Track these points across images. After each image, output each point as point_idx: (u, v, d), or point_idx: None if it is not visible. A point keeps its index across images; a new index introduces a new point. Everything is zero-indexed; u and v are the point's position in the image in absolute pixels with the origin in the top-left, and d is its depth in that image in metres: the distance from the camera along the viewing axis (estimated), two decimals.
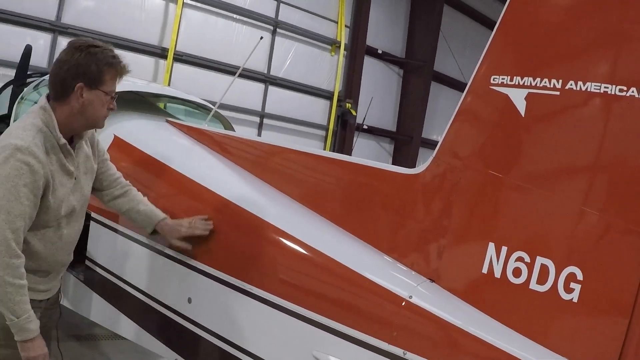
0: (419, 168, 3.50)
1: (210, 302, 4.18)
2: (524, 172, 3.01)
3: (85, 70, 3.74)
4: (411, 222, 3.51)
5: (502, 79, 3.08)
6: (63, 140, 3.80)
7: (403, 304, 3.16)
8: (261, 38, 10.09)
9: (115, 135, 5.47)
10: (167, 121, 6.09)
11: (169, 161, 4.93)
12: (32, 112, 3.77)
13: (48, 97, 3.83)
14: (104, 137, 5.51)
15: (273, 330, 3.76)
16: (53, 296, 4.23)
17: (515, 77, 3.03)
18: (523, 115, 2.99)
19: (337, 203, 4.05)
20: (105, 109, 3.94)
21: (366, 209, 3.84)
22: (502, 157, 3.10)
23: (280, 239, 3.82)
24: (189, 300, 4.28)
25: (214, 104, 7.66)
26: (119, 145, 5.38)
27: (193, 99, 7.63)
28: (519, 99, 3.01)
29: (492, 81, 3.13)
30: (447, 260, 3.28)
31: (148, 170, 5.07)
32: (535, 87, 2.94)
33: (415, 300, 3.16)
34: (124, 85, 7.32)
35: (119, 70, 3.93)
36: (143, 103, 7.16)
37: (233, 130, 7.41)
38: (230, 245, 4.16)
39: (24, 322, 3.54)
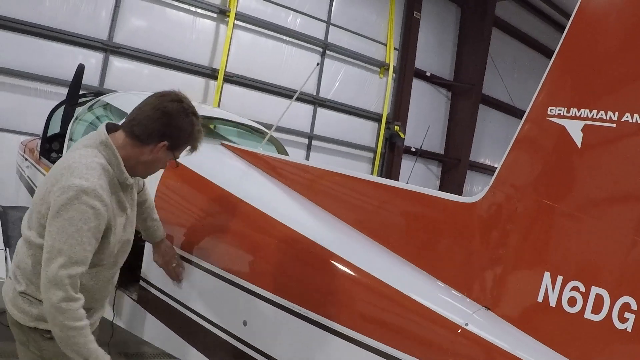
0: (476, 197, 3.51)
1: (266, 326, 4.19)
2: (579, 202, 3.01)
3: (179, 135, 3.85)
4: (467, 249, 3.51)
5: (559, 110, 3.09)
6: (131, 180, 3.86)
7: (459, 331, 3.17)
8: (317, 64, 10.12)
9: None
10: (222, 144, 6.15)
11: (225, 184, 4.97)
12: (93, 147, 3.68)
13: (108, 128, 3.80)
14: None
15: (328, 354, 3.77)
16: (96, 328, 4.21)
17: (572, 109, 3.04)
18: (579, 147, 3.00)
19: (393, 230, 4.05)
20: (160, 168, 4.06)
21: (421, 236, 3.86)
22: (558, 187, 3.10)
23: (336, 264, 3.83)
24: (244, 323, 4.30)
25: (263, 125, 7.70)
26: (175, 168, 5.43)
27: (246, 122, 7.66)
28: (575, 130, 3.02)
29: (549, 112, 3.14)
30: (502, 288, 3.28)
31: (203, 193, 5.10)
32: (592, 119, 2.95)
33: (471, 327, 3.16)
34: None
35: (196, 145, 4.06)
36: None
37: (286, 154, 7.42)
38: (287, 269, 4.17)
39: None
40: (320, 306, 3.80)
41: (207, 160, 5.65)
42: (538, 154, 3.25)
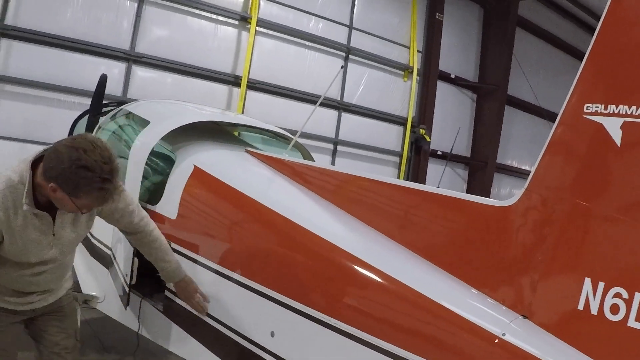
0: (510, 200, 3.39)
1: (294, 337, 4.10)
2: (620, 204, 2.89)
3: (64, 182, 3.86)
4: (502, 255, 3.39)
5: (596, 107, 2.97)
6: (25, 208, 4.07)
7: (496, 341, 3.06)
8: (342, 67, 10.08)
9: (195, 166, 5.46)
10: (247, 151, 6.07)
11: (250, 192, 4.89)
12: (23, 164, 4.09)
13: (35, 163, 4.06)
14: (184, 167, 5.52)
15: None
16: (43, 307, 4.75)
17: (609, 106, 2.93)
18: (618, 145, 2.88)
19: (424, 236, 3.95)
20: (72, 209, 4.11)
21: (454, 242, 3.74)
22: (598, 188, 2.99)
23: (367, 273, 3.72)
24: (272, 334, 4.21)
25: (287, 131, 7.63)
26: (199, 176, 5.38)
27: (270, 127, 7.58)
28: (614, 128, 2.90)
29: (585, 110, 3.02)
30: (540, 295, 3.15)
31: (228, 201, 5.03)
32: (631, 115, 2.84)
33: (508, 337, 3.04)
34: (203, 115, 7.38)
35: (98, 202, 4.12)
36: (221, 132, 7.15)
37: (312, 159, 7.33)
38: (315, 278, 4.07)
39: None
40: (351, 317, 3.70)
41: (232, 168, 5.60)
42: (575, 154, 3.13)
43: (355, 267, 3.81)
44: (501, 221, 3.43)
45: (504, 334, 3.06)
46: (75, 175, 3.81)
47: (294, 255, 4.28)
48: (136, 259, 5.39)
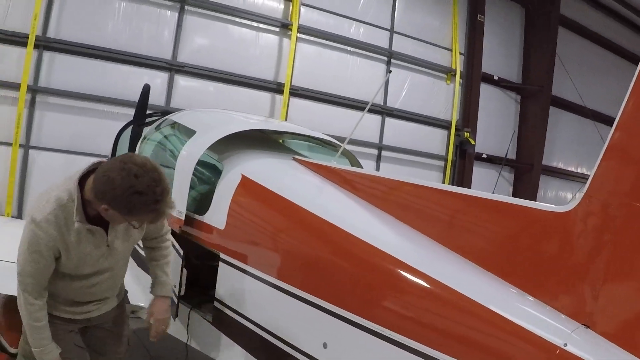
0: (568, 205, 3.30)
1: (348, 348, 4.04)
2: None
3: (118, 205, 4.01)
4: (561, 262, 3.31)
5: None
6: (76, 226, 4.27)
7: (557, 352, 2.97)
8: (390, 72, 10.05)
9: (242, 175, 5.45)
10: (294, 159, 6.03)
11: (299, 200, 4.85)
12: (71, 181, 4.24)
13: (93, 170, 4.22)
14: (231, 176, 5.50)
15: None
16: (98, 317, 4.91)
17: None
18: None
19: (479, 242, 3.87)
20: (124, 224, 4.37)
21: (511, 249, 3.66)
22: None
23: (423, 282, 3.66)
24: (325, 345, 4.16)
25: (331, 137, 7.58)
26: (247, 185, 5.36)
27: (317, 134, 7.56)
28: None
29: None
30: (602, 304, 3.07)
31: (277, 210, 5.00)
32: None
33: (570, 348, 2.96)
34: (249, 123, 7.36)
35: (153, 219, 4.27)
36: (267, 140, 7.12)
37: (360, 166, 7.26)
38: (369, 288, 4.00)
39: (38, 353, 4.43)
40: (406, 328, 3.63)
41: (280, 176, 5.58)
42: (635, 158, 3.03)
43: (412, 277, 3.75)
44: (560, 227, 3.34)
45: (565, 345, 2.97)
46: (129, 202, 3.96)
47: (345, 264, 4.22)
48: (185, 270, 5.38)
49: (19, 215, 13.04)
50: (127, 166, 3.97)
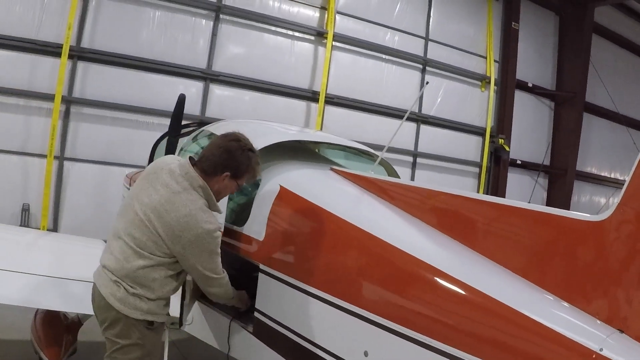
0: (603, 215, 3.32)
1: (388, 356, 4.03)
2: None
3: (237, 166, 4.88)
4: (596, 269, 3.34)
5: None
6: (221, 211, 5.17)
7: (594, 356, 2.97)
8: (427, 83, 10.03)
9: (281, 186, 5.46)
10: (332, 169, 6.04)
11: (338, 211, 4.86)
12: (192, 190, 4.75)
13: (192, 162, 4.88)
14: (270, 188, 5.55)
15: None
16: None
17: None
18: None
19: (515, 251, 3.89)
20: (228, 194, 5.19)
21: (546, 256, 3.67)
22: None
23: (461, 290, 3.69)
24: (365, 354, 4.15)
25: (367, 144, 7.57)
26: (286, 196, 5.38)
27: (353, 144, 7.55)
28: None
29: None
30: (637, 309, 3.09)
31: (316, 220, 5.00)
32: None
33: (606, 353, 2.95)
34: (287, 134, 7.35)
35: (255, 175, 5.12)
36: (304, 151, 7.11)
37: (397, 176, 7.23)
38: (409, 297, 4.02)
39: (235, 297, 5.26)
40: (446, 335, 3.64)
41: (318, 187, 5.57)
42: None
43: (451, 285, 3.77)
44: (595, 235, 3.38)
45: (601, 349, 2.98)
46: (246, 159, 4.89)
47: (385, 273, 4.23)
48: None
49: (55, 228, 13.14)
50: (231, 136, 4.99)
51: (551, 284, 3.56)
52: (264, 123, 8.43)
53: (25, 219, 12.81)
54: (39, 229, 12.84)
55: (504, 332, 3.41)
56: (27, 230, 11.73)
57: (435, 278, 3.86)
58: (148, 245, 4.66)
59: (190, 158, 4.93)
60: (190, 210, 4.65)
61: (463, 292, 3.67)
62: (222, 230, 4.91)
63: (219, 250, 4.80)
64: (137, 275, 4.66)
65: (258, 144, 5.95)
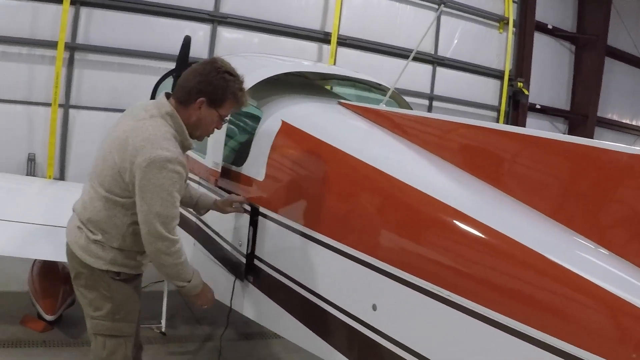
0: None
1: (400, 311, 3.60)
2: None
3: (213, 90, 4.33)
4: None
5: None
6: (194, 146, 4.59)
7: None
8: (443, 3, 9.68)
9: (283, 121, 5.07)
10: (340, 103, 5.61)
11: (345, 147, 4.40)
12: (159, 117, 4.29)
13: (167, 96, 4.44)
14: (270, 123, 5.22)
15: (483, 348, 3.06)
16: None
17: None
18: None
19: (548, 189, 3.32)
20: (212, 128, 4.56)
21: (588, 198, 3.11)
22: None
23: (484, 235, 3.15)
24: (374, 307, 3.74)
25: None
26: (288, 132, 4.99)
27: (364, 77, 7.25)
28: None
29: None
30: None
31: (321, 157, 4.57)
32: None
33: None
34: (290, 66, 6.98)
35: (239, 103, 4.50)
36: (310, 86, 6.79)
37: (411, 109, 6.80)
38: (425, 243, 3.52)
39: (192, 287, 4.44)
40: (465, 287, 3.14)
41: (324, 121, 5.19)
42: None
43: (472, 229, 3.22)
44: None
45: None
46: (224, 81, 4.32)
47: (398, 216, 3.76)
48: (252, 228, 5.16)
49: (62, 177, 13.16)
50: (206, 61, 4.47)
51: (588, 228, 3.00)
52: (268, 56, 8.17)
53: (31, 168, 12.78)
54: (45, 178, 12.78)
55: (533, 284, 2.86)
56: (32, 180, 11.62)
57: (455, 221, 3.33)
58: (107, 181, 4.30)
59: (166, 92, 4.54)
60: (149, 135, 4.14)
61: (486, 237, 3.14)
62: (186, 171, 4.26)
63: (176, 194, 4.12)
64: (99, 218, 4.34)
65: (256, 76, 5.58)
